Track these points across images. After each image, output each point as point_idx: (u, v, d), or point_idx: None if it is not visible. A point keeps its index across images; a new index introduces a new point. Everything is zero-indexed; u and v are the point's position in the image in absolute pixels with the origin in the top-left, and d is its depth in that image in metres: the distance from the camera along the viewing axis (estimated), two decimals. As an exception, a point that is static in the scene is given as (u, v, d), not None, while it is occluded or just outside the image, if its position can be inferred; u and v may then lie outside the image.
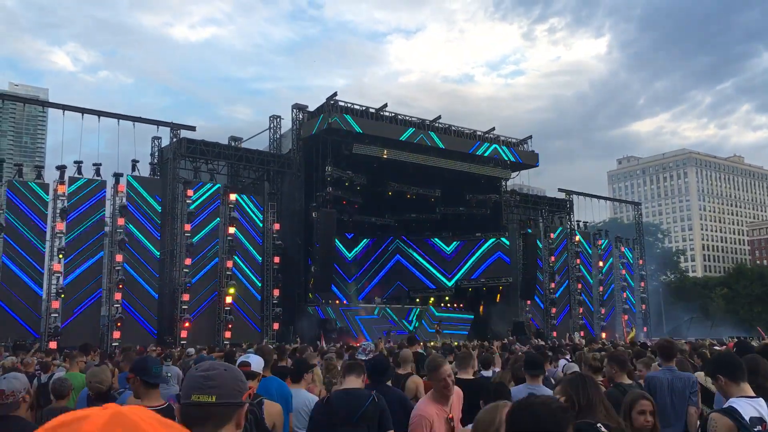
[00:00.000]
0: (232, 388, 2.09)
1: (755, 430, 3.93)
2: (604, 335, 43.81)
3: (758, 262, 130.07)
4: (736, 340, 22.40)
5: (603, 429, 3.54)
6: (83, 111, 35.55)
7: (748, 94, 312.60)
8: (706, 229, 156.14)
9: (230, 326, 35.62)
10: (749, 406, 4.05)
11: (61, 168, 33.30)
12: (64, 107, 35.58)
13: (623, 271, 54.75)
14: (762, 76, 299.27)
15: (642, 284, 57.03)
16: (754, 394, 4.26)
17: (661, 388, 6.92)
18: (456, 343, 22.57)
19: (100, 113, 36.02)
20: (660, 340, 8.92)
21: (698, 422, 6.74)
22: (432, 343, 25.61)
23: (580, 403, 3.70)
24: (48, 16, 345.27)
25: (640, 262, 57.74)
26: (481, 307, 49.17)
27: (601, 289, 52.40)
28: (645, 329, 53.97)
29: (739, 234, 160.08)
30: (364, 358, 7.89)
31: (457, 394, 5.53)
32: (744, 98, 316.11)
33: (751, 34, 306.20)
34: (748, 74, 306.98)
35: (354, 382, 5.46)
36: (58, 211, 32.56)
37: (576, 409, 3.69)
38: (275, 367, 8.41)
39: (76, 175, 34.11)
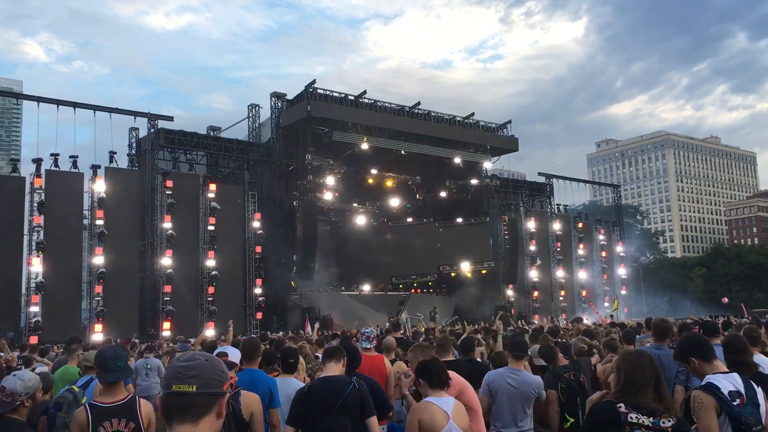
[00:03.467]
0: (213, 378, 2.10)
1: (734, 403, 4.00)
2: (585, 317, 44.15)
3: (735, 241, 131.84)
4: (694, 319, 22.63)
5: (622, 409, 3.56)
6: (58, 102, 35.05)
7: (723, 75, 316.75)
8: (685, 210, 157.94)
9: (213, 317, 35.47)
10: (726, 381, 4.13)
11: (38, 161, 32.79)
12: (39, 99, 35.04)
13: (603, 254, 55.27)
14: (737, 57, 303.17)
15: (622, 266, 57.62)
16: (727, 370, 4.35)
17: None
18: (423, 328, 22.70)
19: (75, 104, 35.52)
20: (656, 319, 8.91)
21: (682, 400, 6.84)
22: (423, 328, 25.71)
23: (625, 380, 3.71)
24: (20, 6, 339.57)
25: (620, 244, 58.31)
26: (464, 292, 49.47)
27: (581, 271, 52.88)
28: (625, 310, 54.56)
29: (716, 214, 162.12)
30: (368, 347, 7.88)
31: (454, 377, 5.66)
32: (720, 79, 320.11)
33: (725, 16, 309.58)
34: (723, 55, 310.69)
35: (334, 368, 5.45)
36: (35, 204, 32.12)
37: (621, 386, 3.72)
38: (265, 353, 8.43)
39: (53, 168, 33.66)
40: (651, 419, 3.53)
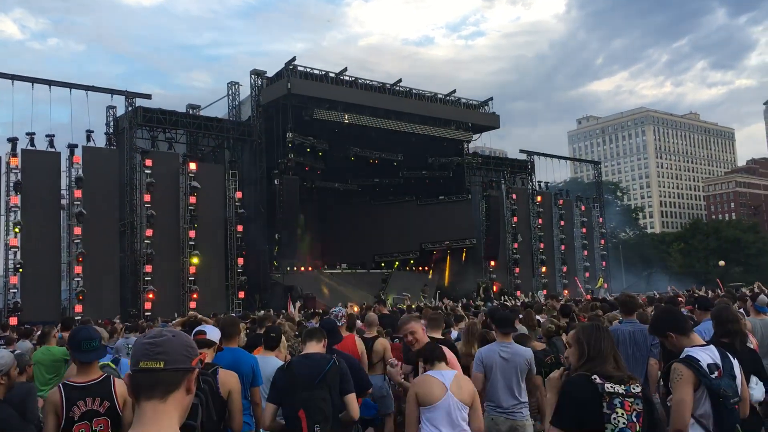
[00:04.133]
0: (181, 354, 2.08)
1: (713, 376, 4.05)
2: (566, 292, 44.62)
3: (713, 216, 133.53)
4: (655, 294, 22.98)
5: (598, 380, 3.58)
6: (33, 80, 34.48)
7: (703, 51, 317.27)
8: (664, 186, 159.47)
9: (195, 296, 35.39)
10: (704, 354, 4.18)
11: (13, 140, 32.30)
12: (13, 77, 34.38)
13: (584, 230, 55.76)
14: (716, 34, 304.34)
15: (602, 242, 58.21)
16: (704, 342, 4.40)
17: (623, 340, 7.11)
18: (405, 305, 22.78)
19: (51, 83, 34.95)
20: (621, 294, 9.15)
21: (657, 372, 6.95)
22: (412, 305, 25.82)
23: (590, 351, 3.70)
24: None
25: (600, 220, 58.84)
26: (446, 269, 49.76)
27: (563, 248, 53.34)
28: (605, 285, 55.22)
29: (695, 190, 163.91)
30: (339, 324, 7.89)
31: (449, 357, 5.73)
32: (699, 55, 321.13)
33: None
34: (703, 31, 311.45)
35: (314, 347, 5.47)
36: (11, 184, 31.70)
37: (585, 357, 3.71)
38: (251, 336, 8.41)
39: (29, 147, 33.17)
40: (622, 387, 3.56)
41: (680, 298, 15.25)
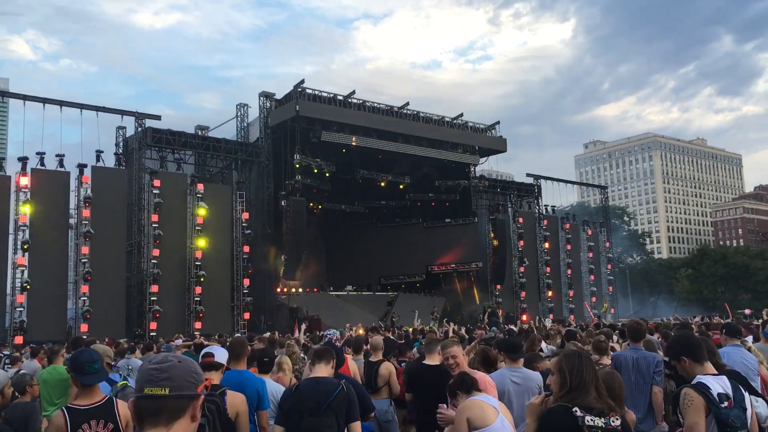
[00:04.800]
0: (186, 380, 2.06)
1: (722, 405, 4.01)
2: (572, 317, 44.37)
3: (721, 242, 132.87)
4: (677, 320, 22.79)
5: (578, 413, 3.52)
6: (45, 101, 34.81)
7: (710, 78, 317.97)
8: (671, 212, 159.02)
9: (201, 317, 35.34)
10: (716, 383, 4.14)
11: (23, 159, 32.52)
12: (25, 97, 34.78)
13: (590, 254, 55.56)
14: (723, 60, 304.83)
15: (609, 267, 57.95)
16: (716, 372, 4.36)
17: (626, 366, 7.08)
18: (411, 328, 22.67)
19: (62, 103, 35.29)
20: (629, 321, 9.10)
21: (662, 401, 6.90)
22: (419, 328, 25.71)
23: (572, 381, 3.64)
24: (5, 3, 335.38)
25: (607, 244, 58.64)
26: (452, 293, 49.55)
27: (569, 272, 53.12)
28: (612, 311, 54.91)
29: (702, 216, 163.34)
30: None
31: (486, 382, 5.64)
32: (706, 81, 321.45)
33: (712, 18, 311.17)
34: (709, 58, 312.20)
35: (323, 370, 5.41)
36: (20, 203, 31.84)
37: (567, 387, 3.65)
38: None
39: (39, 167, 33.38)
40: (602, 419, 3.50)
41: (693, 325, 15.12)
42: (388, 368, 8.77)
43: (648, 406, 6.96)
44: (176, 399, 2.02)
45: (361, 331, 21.02)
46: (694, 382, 4.18)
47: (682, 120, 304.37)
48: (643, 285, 77.85)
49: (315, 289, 46.67)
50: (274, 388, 5.94)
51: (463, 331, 18.37)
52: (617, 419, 3.54)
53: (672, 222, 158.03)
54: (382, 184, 47.94)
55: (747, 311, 45.31)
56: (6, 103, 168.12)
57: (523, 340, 10.49)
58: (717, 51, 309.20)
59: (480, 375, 5.64)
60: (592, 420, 3.48)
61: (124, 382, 5.90)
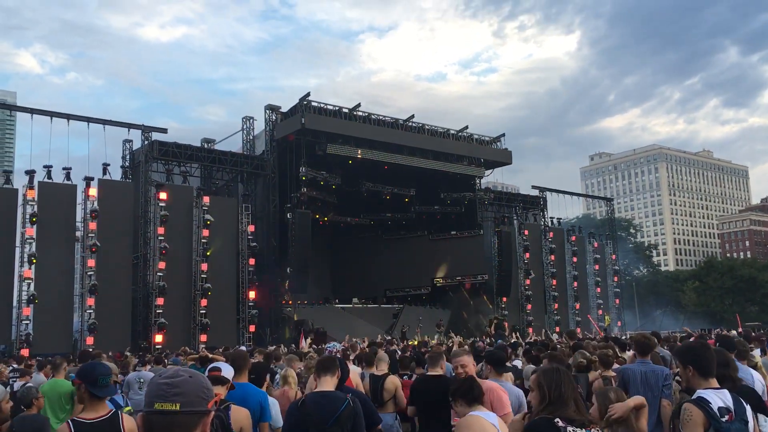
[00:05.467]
0: (197, 396, 2.04)
1: (723, 419, 4.01)
2: (578, 330, 44.15)
3: (728, 255, 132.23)
4: (701, 332, 22.69)
5: (560, 424, 3.56)
6: (52, 114, 35.00)
7: (715, 89, 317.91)
8: (677, 224, 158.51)
9: (206, 330, 35.33)
10: (716, 397, 4.14)
11: (30, 173, 32.70)
12: (32, 111, 34.98)
13: (596, 267, 55.38)
14: (729, 72, 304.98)
15: (615, 279, 57.73)
16: (718, 386, 4.35)
17: (634, 380, 7.00)
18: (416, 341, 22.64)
19: (69, 116, 35.45)
20: (637, 334, 9.05)
21: (670, 414, 6.84)
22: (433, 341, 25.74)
23: (551, 395, 3.69)
24: (12, 17, 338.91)
25: (613, 257, 58.45)
26: (458, 305, 49.40)
27: (575, 284, 52.94)
28: (619, 323, 54.67)
29: (709, 228, 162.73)
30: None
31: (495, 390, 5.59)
32: (712, 93, 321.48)
33: (717, 30, 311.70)
34: (715, 69, 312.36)
35: (329, 383, 5.38)
36: (27, 216, 31.99)
37: (547, 401, 3.70)
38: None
39: (46, 180, 33.54)
40: (584, 430, 3.55)
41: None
42: (393, 382, 8.77)
43: (657, 420, 6.91)
44: (187, 415, 2.00)
45: (365, 344, 20.98)
46: (694, 396, 4.19)
47: (688, 132, 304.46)
48: (649, 297, 77.52)
49: (321, 302, 46.65)
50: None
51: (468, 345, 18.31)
52: (598, 430, 3.59)
53: (678, 234, 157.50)
54: (388, 196, 47.97)
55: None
56: (14, 117, 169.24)
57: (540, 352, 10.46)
58: (723, 62, 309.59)
59: (488, 384, 5.60)
60: (574, 430, 3.53)
61: (129, 408, 5.92)
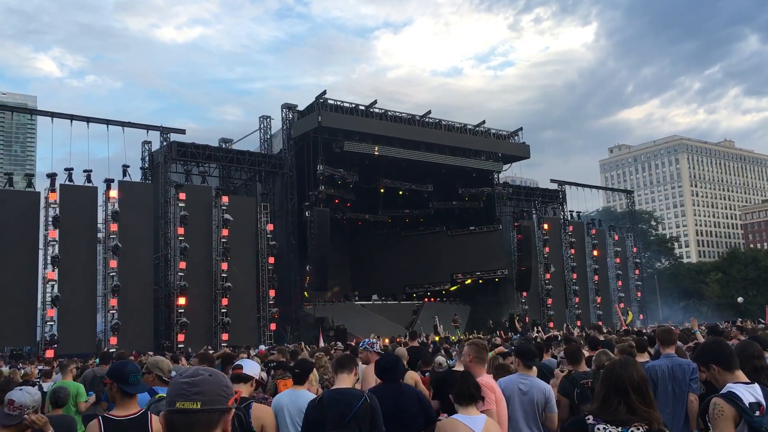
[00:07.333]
0: (218, 394, 2.06)
1: (755, 414, 3.92)
2: (600, 324, 43.84)
3: (752, 245, 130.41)
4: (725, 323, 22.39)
5: (591, 420, 3.50)
6: (72, 117, 35.41)
7: (736, 78, 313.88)
8: (699, 215, 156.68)
9: (227, 328, 35.56)
10: (747, 392, 4.05)
11: (52, 176, 33.13)
12: (53, 114, 35.43)
13: (618, 260, 54.92)
14: (749, 60, 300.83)
15: (637, 272, 57.23)
16: (748, 380, 4.26)
17: (662, 376, 6.91)
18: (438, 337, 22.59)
19: (88, 119, 35.84)
20: (659, 328, 8.96)
21: (698, 408, 6.73)
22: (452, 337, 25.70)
23: (599, 393, 3.61)
24: (31, 22, 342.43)
25: (634, 249, 57.92)
26: (478, 301, 49.27)
27: (596, 278, 52.54)
28: (641, 317, 54.20)
29: (732, 218, 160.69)
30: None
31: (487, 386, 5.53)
32: (732, 82, 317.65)
33: (736, 18, 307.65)
34: (735, 58, 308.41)
35: (346, 380, 5.37)
36: (50, 219, 32.39)
37: (598, 400, 3.64)
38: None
39: (67, 183, 33.93)
40: (620, 428, 3.46)
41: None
42: (413, 377, 8.73)
43: (685, 415, 6.81)
44: (208, 413, 2.02)
45: (386, 341, 20.98)
46: (724, 391, 4.09)
47: (709, 122, 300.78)
48: (672, 290, 76.71)
49: (341, 299, 46.74)
50: (308, 397, 5.84)
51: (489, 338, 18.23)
52: (640, 428, 3.47)
53: (700, 225, 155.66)
54: (406, 192, 47.91)
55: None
56: (34, 121, 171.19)
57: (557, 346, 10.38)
58: (743, 51, 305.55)
59: (481, 379, 5.48)
60: (604, 428, 3.46)
61: (162, 394, 5.97)
